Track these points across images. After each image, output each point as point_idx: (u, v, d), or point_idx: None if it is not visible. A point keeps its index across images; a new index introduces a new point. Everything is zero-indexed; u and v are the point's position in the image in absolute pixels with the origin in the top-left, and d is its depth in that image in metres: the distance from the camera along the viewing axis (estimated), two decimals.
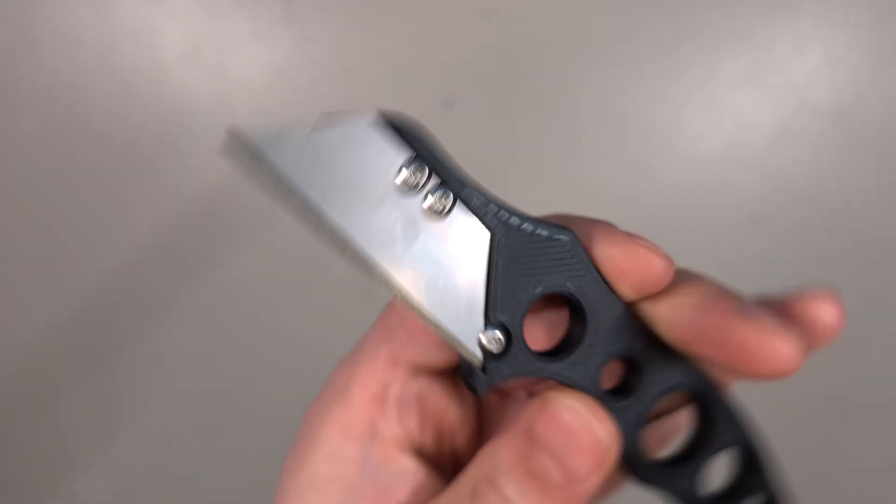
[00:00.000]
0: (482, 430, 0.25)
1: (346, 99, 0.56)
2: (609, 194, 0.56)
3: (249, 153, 0.16)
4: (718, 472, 0.21)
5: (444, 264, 0.18)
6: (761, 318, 0.17)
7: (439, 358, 0.22)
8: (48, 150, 0.55)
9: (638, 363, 0.19)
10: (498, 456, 0.19)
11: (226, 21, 0.55)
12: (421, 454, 0.23)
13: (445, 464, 0.24)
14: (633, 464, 0.20)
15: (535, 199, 0.56)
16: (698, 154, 0.56)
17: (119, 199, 0.56)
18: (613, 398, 0.20)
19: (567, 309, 0.20)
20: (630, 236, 0.19)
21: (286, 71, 0.55)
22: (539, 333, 0.21)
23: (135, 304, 0.56)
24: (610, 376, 0.21)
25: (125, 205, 0.56)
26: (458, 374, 0.23)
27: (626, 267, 0.19)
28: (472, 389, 0.19)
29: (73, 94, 0.55)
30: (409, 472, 0.22)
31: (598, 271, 0.19)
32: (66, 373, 0.56)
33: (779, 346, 0.17)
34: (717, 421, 0.20)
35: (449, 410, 0.23)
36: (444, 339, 0.18)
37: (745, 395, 0.22)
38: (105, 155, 0.55)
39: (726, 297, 0.18)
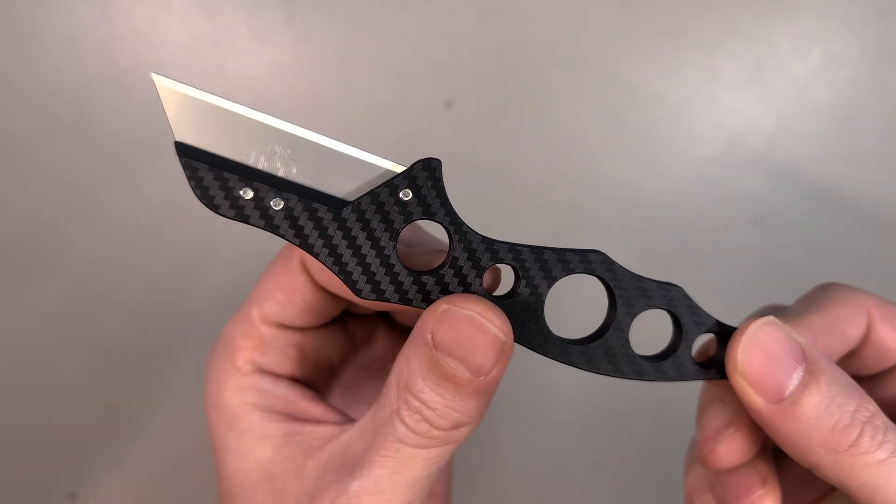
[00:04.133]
0: (356, 343, 0.31)
1: (346, 99, 0.56)
2: (609, 194, 0.56)
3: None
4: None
5: None
6: None
7: (304, 321, 0.27)
8: (48, 150, 0.55)
9: (523, 264, 0.23)
10: (411, 365, 0.21)
11: (226, 21, 0.55)
12: (304, 380, 0.28)
13: (325, 381, 0.30)
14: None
15: (535, 198, 0.56)
16: (698, 154, 0.56)
17: (119, 198, 0.56)
18: (506, 297, 0.23)
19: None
20: None
21: (286, 71, 0.55)
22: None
23: (137, 303, 0.56)
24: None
25: (125, 204, 0.56)
26: (328, 327, 0.29)
27: None
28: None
29: (73, 93, 0.55)
30: (295, 391, 0.27)
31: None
32: (65, 372, 0.56)
33: None
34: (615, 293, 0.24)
35: (320, 349, 0.28)
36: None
37: None
38: (105, 155, 0.55)
39: None
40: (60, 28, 0.54)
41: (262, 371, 0.26)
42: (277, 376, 0.27)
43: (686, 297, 0.25)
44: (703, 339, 0.26)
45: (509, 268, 0.23)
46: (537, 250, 0.23)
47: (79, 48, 0.54)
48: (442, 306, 0.21)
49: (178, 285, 0.56)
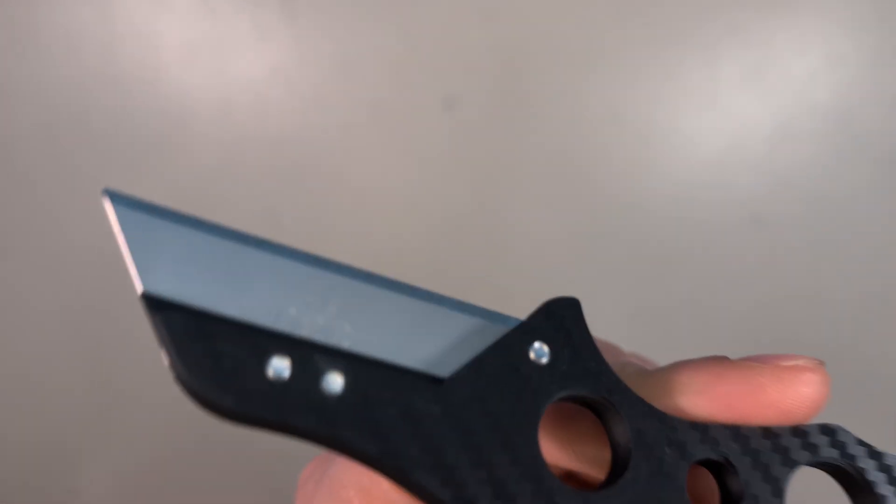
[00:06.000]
0: None
1: (346, 99, 0.56)
2: (609, 194, 0.56)
3: None
4: None
5: None
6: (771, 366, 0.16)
7: None
8: (48, 150, 0.55)
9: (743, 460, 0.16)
10: None
11: (226, 21, 0.55)
12: None
13: None
14: None
15: (534, 199, 0.56)
16: (698, 154, 0.56)
17: None
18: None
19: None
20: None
21: (286, 71, 0.55)
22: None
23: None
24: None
25: None
26: None
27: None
28: None
29: (74, 93, 0.55)
30: None
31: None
32: (66, 371, 0.56)
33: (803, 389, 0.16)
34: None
35: None
36: None
37: None
38: (105, 154, 0.55)
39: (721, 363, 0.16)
40: (60, 28, 0.54)
41: None
42: None
43: None
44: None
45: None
46: (765, 435, 0.15)
47: (79, 48, 0.54)
48: None
49: None
